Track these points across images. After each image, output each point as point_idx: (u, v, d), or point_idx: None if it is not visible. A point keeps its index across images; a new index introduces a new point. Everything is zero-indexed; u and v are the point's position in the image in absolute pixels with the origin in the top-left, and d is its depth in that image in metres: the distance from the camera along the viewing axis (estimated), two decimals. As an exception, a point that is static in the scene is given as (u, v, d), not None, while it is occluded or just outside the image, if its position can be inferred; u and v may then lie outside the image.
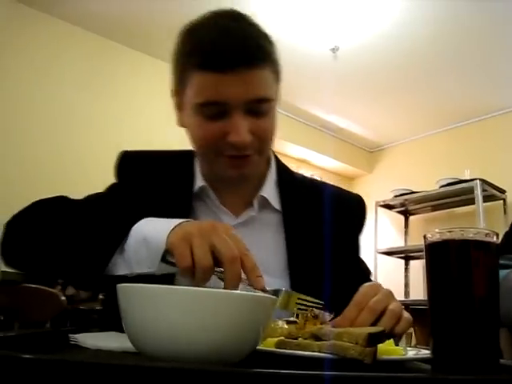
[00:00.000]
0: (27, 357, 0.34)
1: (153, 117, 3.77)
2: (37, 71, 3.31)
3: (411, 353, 0.61)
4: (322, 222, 0.93)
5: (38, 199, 0.86)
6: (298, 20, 3.32)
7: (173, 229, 0.66)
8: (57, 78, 3.39)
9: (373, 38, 3.47)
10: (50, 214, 0.80)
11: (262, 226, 0.93)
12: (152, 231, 0.67)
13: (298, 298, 0.69)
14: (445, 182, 4.08)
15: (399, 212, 4.73)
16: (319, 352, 0.52)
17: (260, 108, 0.81)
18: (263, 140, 0.84)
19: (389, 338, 0.60)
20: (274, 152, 1.01)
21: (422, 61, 3.71)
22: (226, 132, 0.80)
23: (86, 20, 3.43)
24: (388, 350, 0.56)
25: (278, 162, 1.01)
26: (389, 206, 4.61)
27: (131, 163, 0.97)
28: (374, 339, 0.50)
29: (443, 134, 4.78)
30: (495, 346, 0.52)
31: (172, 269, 0.67)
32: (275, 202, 0.94)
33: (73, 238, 0.74)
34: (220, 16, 0.84)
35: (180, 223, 0.67)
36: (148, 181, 0.93)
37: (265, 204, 0.94)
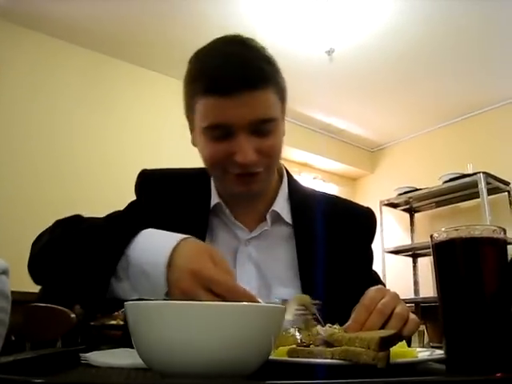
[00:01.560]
0: (39, 381, 0.33)
1: (150, 129, 3.79)
2: (30, 87, 3.34)
3: (425, 354, 0.61)
4: (333, 235, 0.95)
5: (57, 219, 0.88)
6: (291, 24, 3.33)
7: (167, 268, 0.63)
8: (51, 94, 3.42)
9: (368, 39, 3.48)
10: (63, 236, 0.81)
11: (274, 239, 0.95)
12: (148, 266, 0.66)
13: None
14: (448, 178, 4.08)
15: (404, 210, 4.72)
16: (332, 359, 0.52)
17: (264, 128, 0.83)
18: (270, 157, 0.86)
19: (401, 341, 0.59)
20: (285, 167, 1.04)
21: (418, 58, 3.72)
22: (233, 152, 0.82)
23: (77, 35, 3.46)
24: (401, 352, 0.55)
25: (290, 177, 1.04)
26: (393, 205, 4.60)
27: (150, 181, 0.99)
28: (386, 343, 0.49)
29: (443, 129, 4.78)
30: (510, 343, 0.51)
31: None
32: (287, 215, 0.97)
33: (78, 260, 0.74)
34: (224, 42, 0.87)
35: (172, 255, 0.64)
36: (167, 198, 0.95)
37: (277, 218, 0.96)
